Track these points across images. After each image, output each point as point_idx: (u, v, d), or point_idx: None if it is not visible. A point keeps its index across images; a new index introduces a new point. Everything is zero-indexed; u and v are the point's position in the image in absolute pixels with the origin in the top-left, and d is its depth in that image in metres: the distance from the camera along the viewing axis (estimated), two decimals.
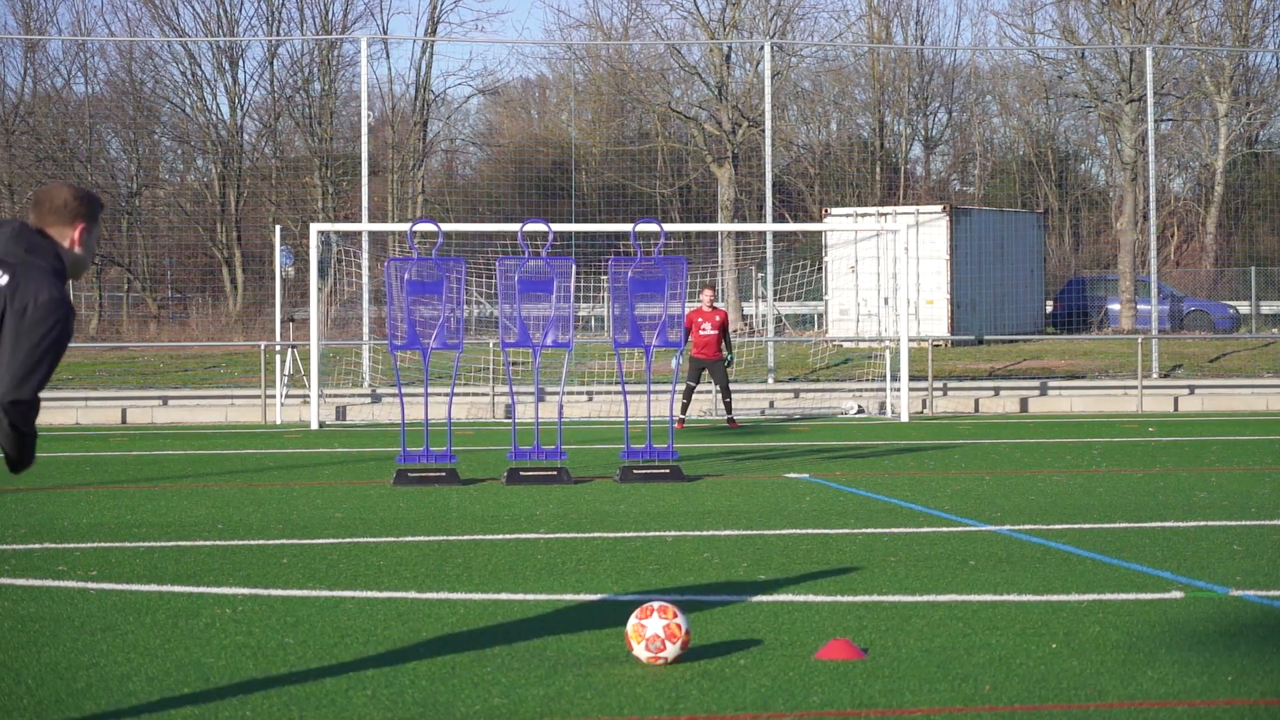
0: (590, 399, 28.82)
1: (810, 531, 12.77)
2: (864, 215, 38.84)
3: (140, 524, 13.42)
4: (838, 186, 50.75)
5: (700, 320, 24.42)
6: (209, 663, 8.00)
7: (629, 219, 32.98)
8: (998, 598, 9.71)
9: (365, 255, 30.77)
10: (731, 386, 26.84)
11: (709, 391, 27.12)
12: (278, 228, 29.06)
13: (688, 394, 24.91)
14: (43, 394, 6.40)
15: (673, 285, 17.27)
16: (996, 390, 30.08)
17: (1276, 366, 33.79)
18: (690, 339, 24.27)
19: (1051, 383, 30.58)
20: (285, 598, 9.86)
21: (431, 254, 17.13)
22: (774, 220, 36.78)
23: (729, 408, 25.17)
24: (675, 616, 7.84)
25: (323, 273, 33.25)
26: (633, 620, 7.89)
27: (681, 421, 24.19)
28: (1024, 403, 29.55)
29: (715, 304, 24.96)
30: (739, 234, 38.74)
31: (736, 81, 45.42)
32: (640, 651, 7.83)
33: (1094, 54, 46.64)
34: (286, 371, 28.63)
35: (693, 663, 7.90)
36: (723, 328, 24.62)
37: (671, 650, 7.81)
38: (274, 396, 27.94)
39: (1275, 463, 18.83)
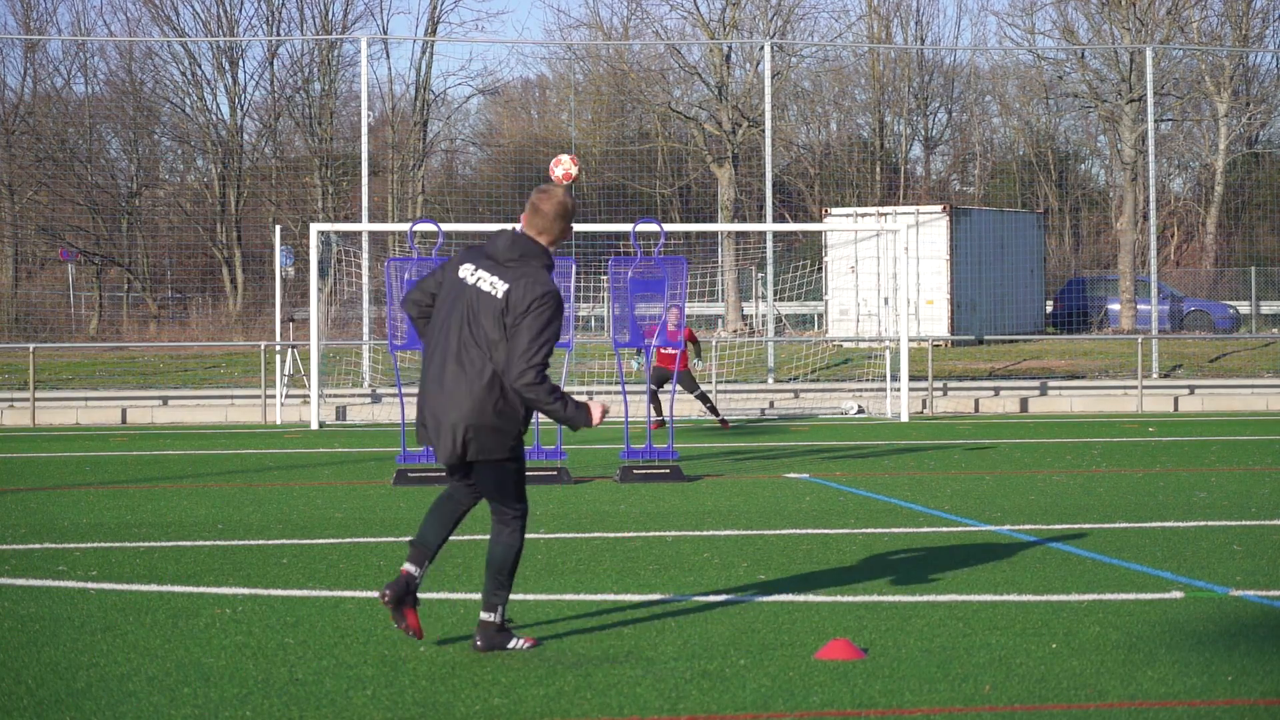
0: (590, 399, 28.77)
1: (810, 531, 12.77)
2: (864, 215, 38.84)
3: (140, 524, 13.42)
4: (838, 186, 50.75)
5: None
6: (209, 663, 8.00)
7: (629, 219, 32.96)
8: (998, 598, 9.71)
9: (365, 255, 30.77)
10: (731, 387, 26.72)
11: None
12: (278, 228, 29.06)
13: (652, 397, 24.08)
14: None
15: (673, 285, 17.27)
16: (997, 390, 30.08)
17: (1276, 366, 33.79)
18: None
19: (1051, 383, 30.58)
20: (285, 598, 9.87)
21: (431, 254, 17.13)
22: (774, 220, 36.78)
23: (714, 410, 24.80)
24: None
25: (323, 273, 33.25)
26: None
27: (658, 422, 23.72)
28: (1024, 403, 29.55)
29: (680, 324, 24.45)
30: (739, 234, 38.74)
31: (736, 81, 45.43)
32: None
33: (1094, 54, 46.64)
34: (286, 371, 28.63)
35: (693, 663, 7.91)
36: (690, 340, 24.28)
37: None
38: (274, 396, 27.94)
39: (1275, 463, 18.83)
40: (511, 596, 9.83)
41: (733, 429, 24.73)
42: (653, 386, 23.89)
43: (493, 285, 8.05)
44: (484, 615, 8.27)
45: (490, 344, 8.00)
